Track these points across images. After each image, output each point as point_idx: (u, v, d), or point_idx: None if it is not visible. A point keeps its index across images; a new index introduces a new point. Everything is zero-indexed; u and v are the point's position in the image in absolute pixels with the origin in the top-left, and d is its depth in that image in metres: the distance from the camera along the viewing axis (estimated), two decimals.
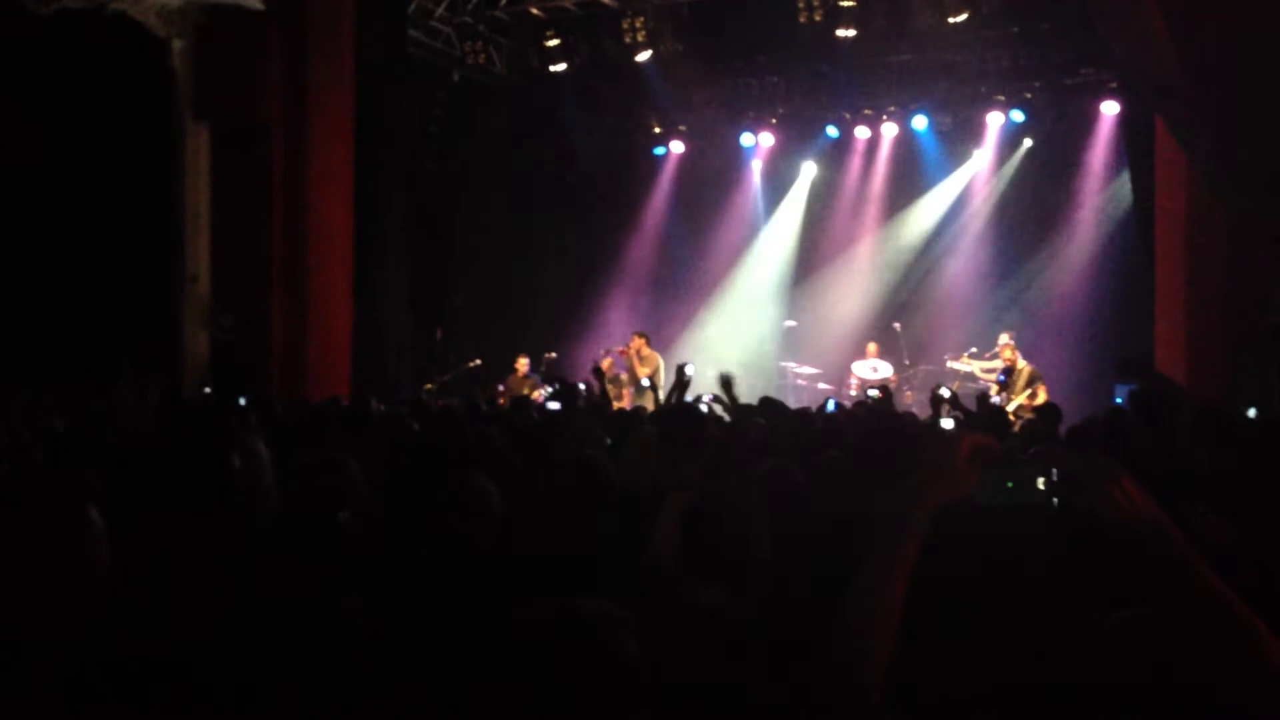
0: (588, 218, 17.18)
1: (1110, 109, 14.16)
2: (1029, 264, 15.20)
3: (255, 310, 11.86)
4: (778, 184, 17.16)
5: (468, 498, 3.53)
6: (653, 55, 14.26)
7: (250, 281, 11.93)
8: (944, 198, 16.08)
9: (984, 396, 9.87)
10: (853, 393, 13.95)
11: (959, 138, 15.64)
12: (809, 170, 16.91)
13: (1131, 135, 12.82)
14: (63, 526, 1.99)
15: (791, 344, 16.19)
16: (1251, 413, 8.14)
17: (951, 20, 12.78)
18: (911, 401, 13.49)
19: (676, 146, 17.31)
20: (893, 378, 14.44)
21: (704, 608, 2.72)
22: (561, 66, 14.86)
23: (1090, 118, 14.51)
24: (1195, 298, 11.26)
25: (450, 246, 15.90)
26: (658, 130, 17.22)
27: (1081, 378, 12.92)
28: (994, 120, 15.20)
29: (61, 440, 5.77)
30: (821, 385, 15.13)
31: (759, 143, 16.71)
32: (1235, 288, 10.98)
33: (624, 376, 13.19)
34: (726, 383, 6.63)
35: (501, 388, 13.33)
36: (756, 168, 17.16)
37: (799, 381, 15.47)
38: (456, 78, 15.48)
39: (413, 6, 14.19)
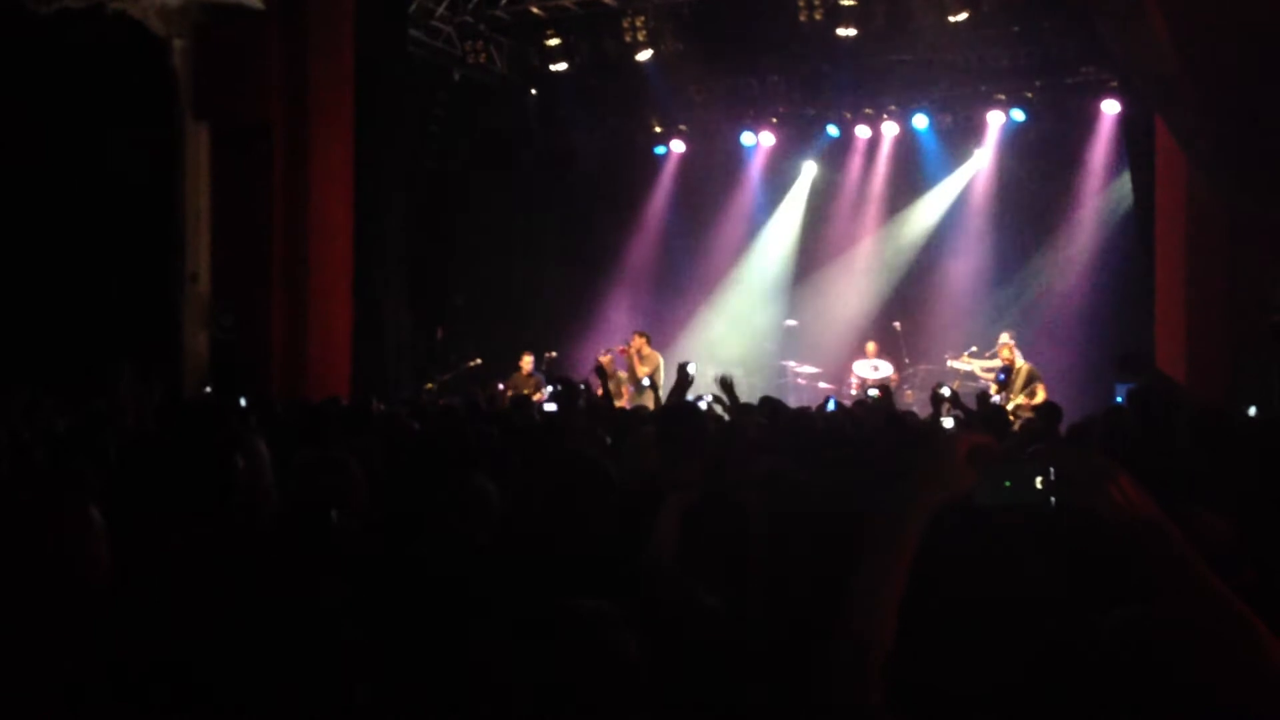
0: (588, 218, 17.16)
1: (1111, 108, 14.15)
2: (1029, 263, 15.19)
3: (255, 310, 11.86)
4: (778, 183, 17.12)
5: (468, 497, 3.53)
6: (653, 55, 14.27)
7: (250, 281, 11.93)
8: (944, 197, 16.06)
9: (984, 395, 9.87)
10: (853, 392, 13.96)
11: (959, 137, 15.64)
12: (809, 169, 16.89)
13: (1131, 135, 12.80)
14: (63, 526, 1.99)
15: (792, 343, 16.19)
16: (1251, 412, 8.14)
17: (952, 19, 12.79)
18: (912, 400, 13.49)
19: (677, 146, 17.29)
20: (893, 377, 14.44)
21: (704, 608, 2.72)
22: (562, 66, 14.87)
23: (1090, 117, 14.51)
24: (1195, 297, 11.25)
25: (450, 246, 15.88)
26: (658, 130, 17.21)
27: (1081, 377, 12.90)
28: (994, 119, 15.19)
29: (61, 440, 5.76)
30: (822, 384, 15.12)
31: (759, 142, 16.70)
32: (1235, 287, 10.98)
33: (623, 374, 13.19)
34: (726, 384, 6.63)
35: (503, 386, 13.32)
36: (757, 167, 17.14)
37: (799, 380, 15.46)
38: (457, 77, 15.48)
39: (413, 6, 14.19)
